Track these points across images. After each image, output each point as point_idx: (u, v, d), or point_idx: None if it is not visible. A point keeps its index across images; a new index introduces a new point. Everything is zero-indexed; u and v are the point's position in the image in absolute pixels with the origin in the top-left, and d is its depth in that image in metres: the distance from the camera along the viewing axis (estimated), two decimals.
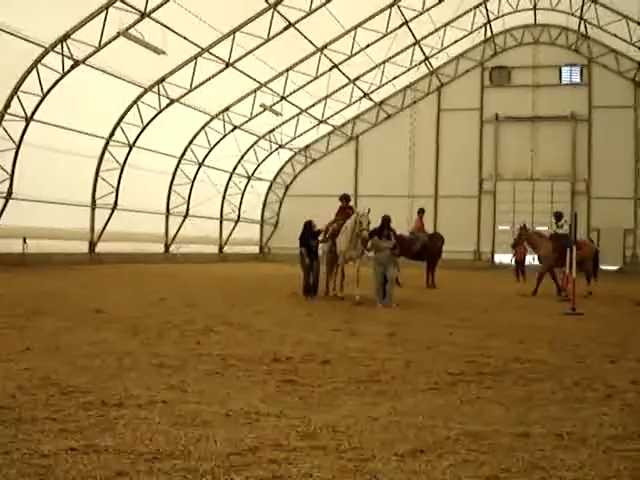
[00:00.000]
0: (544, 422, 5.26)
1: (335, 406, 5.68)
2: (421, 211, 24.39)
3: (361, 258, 16.36)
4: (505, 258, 38.07)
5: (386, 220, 15.38)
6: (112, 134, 29.04)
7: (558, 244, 19.25)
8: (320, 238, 16.80)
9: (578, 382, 6.92)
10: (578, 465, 4.26)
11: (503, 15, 38.61)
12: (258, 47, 29.33)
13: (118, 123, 28.95)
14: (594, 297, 18.48)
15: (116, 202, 30.08)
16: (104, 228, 30.11)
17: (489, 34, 40.26)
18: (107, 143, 29.11)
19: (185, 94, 30.11)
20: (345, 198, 18.03)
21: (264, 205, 44.19)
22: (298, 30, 29.77)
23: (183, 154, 34.44)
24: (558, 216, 20.86)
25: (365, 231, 15.29)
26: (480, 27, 38.85)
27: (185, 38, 26.64)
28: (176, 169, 34.56)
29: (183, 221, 35.62)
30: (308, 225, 16.60)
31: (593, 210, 39.18)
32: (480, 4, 36.25)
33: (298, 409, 5.49)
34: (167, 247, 35.50)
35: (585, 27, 38.29)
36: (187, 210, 35.73)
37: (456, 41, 38.69)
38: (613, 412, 5.67)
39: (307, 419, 5.10)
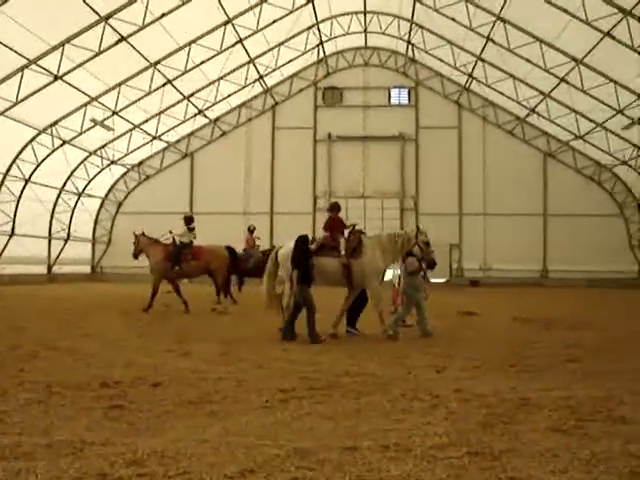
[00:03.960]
0: (372, 434, 5.39)
1: (164, 430, 5.56)
2: (251, 228, 25.00)
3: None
4: None
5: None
6: None
7: (171, 253, 18.15)
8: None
9: (405, 393, 7.14)
10: (403, 475, 4.40)
11: (335, 37, 39.77)
12: (89, 60, 28.48)
13: None
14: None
15: None
16: None
17: (322, 55, 41.28)
18: None
19: (10, 107, 28.61)
20: (337, 208, 14.01)
21: (95, 223, 42.66)
22: (130, 44, 29.20)
23: (8, 170, 32.65)
24: (187, 220, 18.90)
25: (434, 253, 12.96)
26: (313, 48, 39.80)
27: (10, 49, 25.43)
28: (0, 186, 32.76)
29: (8, 240, 33.68)
30: (304, 241, 12.43)
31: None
32: (313, 25, 37.11)
33: (125, 435, 5.33)
34: None
35: (413, 51, 40.21)
36: (13, 229, 33.84)
37: (290, 61, 39.42)
38: (437, 421, 5.90)
39: (134, 445, 4.95)
